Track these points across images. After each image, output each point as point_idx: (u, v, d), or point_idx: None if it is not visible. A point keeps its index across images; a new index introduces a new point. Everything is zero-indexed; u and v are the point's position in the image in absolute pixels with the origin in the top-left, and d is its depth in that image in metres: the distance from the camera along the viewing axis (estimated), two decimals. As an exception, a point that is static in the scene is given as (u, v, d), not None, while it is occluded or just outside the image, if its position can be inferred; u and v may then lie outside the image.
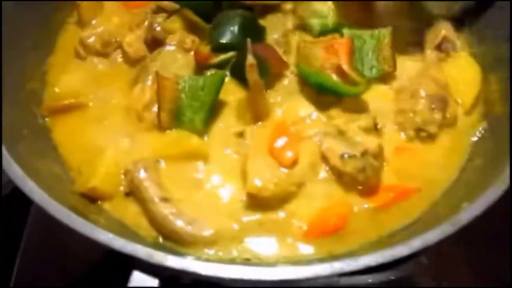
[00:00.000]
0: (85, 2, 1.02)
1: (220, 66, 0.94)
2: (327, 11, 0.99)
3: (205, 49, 0.92)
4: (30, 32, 0.96)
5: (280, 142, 0.83)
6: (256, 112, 0.88)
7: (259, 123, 0.88)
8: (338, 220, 0.80)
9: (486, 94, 0.95)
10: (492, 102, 0.93)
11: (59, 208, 0.65)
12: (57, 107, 0.91)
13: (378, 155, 0.81)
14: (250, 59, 0.82)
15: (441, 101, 0.90)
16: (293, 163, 0.80)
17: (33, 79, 0.94)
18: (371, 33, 0.94)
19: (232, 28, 0.94)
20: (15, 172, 0.69)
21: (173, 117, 0.86)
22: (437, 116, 0.89)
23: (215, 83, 0.87)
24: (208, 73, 0.93)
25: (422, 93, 0.90)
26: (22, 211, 1.01)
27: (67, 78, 0.96)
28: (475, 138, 0.90)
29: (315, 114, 0.88)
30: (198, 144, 0.85)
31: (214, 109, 0.88)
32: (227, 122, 0.89)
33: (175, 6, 1.01)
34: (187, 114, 0.86)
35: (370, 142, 0.82)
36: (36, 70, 0.96)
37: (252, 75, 0.83)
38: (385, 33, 0.93)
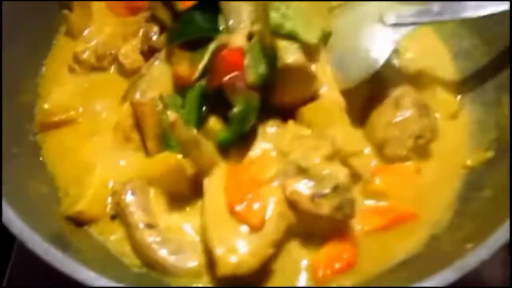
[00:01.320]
0: (74, 13, 0.99)
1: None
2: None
3: (182, 68, 0.86)
4: (24, 40, 0.93)
5: (241, 200, 0.73)
6: (199, 167, 0.78)
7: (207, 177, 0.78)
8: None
9: (497, 118, 0.90)
10: (503, 128, 0.88)
11: (38, 242, 0.64)
12: (47, 123, 0.90)
13: (349, 186, 0.74)
14: (172, 116, 0.73)
15: (424, 107, 0.88)
16: (263, 222, 0.71)
17: (26, 92, 0.93)
18: None
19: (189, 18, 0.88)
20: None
21: (160, 141, 0.82)
22: (426, 121, 0.86)
23: (194, 98, 0.83)
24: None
25: (405, 101, 0.87)
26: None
27: (59, 92, 0.94)
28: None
29: (267, 151, 0.80)
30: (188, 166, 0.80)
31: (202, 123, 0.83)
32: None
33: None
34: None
35: (338, 172, 0.74)
36: (29, 81, 0.94)
37: (180, 135, 0.74)
38: None
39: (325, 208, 0.71)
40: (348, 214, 0.73)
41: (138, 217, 0.77)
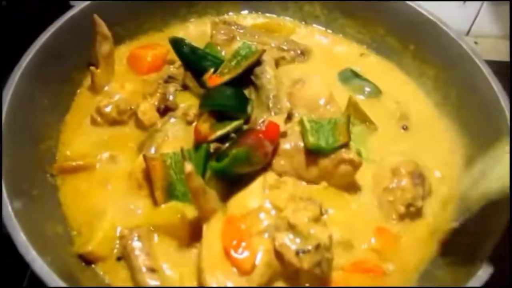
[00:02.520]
0: (99, 70, 1.10)
1: (220, 139, 0.99)
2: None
3: (204, 127, 0.99)
4: (50, 91, 1.05)
5: (236, 246, 0.82)
6: (202, 213, 0.87)
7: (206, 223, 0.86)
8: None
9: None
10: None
11: (55, 280, 0.73)
12: (65, 168, 0.99)
13: (330, 246, 0.83)
14: (188, 168, 0.79)
15: (420, 176, 0.98)
16: (253, 268, 0.81)
17: (49, 138, 1.02)
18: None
19: (224, 93, 1.05)
20: (21, 241, 0.76)
21: (166, 192, 0.92)
22: (420, 190, 0.96)
23: (200, 156, 0.94)
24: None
25: (403, 170, 0.98)
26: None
27: (80, 139, 1.04)
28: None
29: (263, 205, 0.88)
30: (190, 215, 0.89)
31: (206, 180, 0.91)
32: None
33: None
34: (179, 188, 0.91)
35: (321, 233, 0.83)
36: (53, 128, 1.04)
37: (192, 183, 0.81)
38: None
39: (306, 263, 0.80)
40: (325, 271, 0.82)
41: (142, 261, 0.85)
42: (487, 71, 1.05)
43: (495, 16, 1.65)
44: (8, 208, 0.79)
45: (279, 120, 1.00)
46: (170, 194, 0.92)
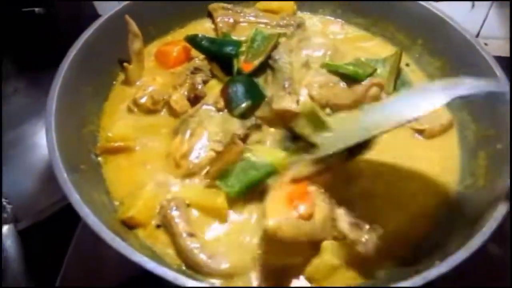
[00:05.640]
0: (132, 65, 1.21)
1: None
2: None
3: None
4: (92, 81, 1.15)
5: (299, 196, 0.92)
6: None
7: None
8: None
9: (473, 169, 1.09)
10: (477, 175, 1.07)
11: (107, 232, 0.81)
12: (108, 148, 1.08)
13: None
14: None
15: None
16: (309, 216, 0.88)
17: (91, 123, 1.12)
18: None
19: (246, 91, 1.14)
20: (75, 199, 0.85)
21: (219, 174, 0.99)
22: None
23: (265, 173, 0.98)
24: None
25: None
26: (71, 225, 1.18)
27: (119, 124, 1.13)
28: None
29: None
30: (221, 205, 0.96)
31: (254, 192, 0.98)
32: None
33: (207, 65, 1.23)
34: (231, 179, 0.97)
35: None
36: (94, 115, 1.14)
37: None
38: None
39: (352, 234, 0.90)
40: (368, 250, 0.90)
41: (182, 227, 0.93)
42: (490, 59, 1.14)
43: (503, 18, 1.75)
44: (64, 175, 0.88)
45: (292, 100, 1.09)
46: (221, 177, 0.99)
